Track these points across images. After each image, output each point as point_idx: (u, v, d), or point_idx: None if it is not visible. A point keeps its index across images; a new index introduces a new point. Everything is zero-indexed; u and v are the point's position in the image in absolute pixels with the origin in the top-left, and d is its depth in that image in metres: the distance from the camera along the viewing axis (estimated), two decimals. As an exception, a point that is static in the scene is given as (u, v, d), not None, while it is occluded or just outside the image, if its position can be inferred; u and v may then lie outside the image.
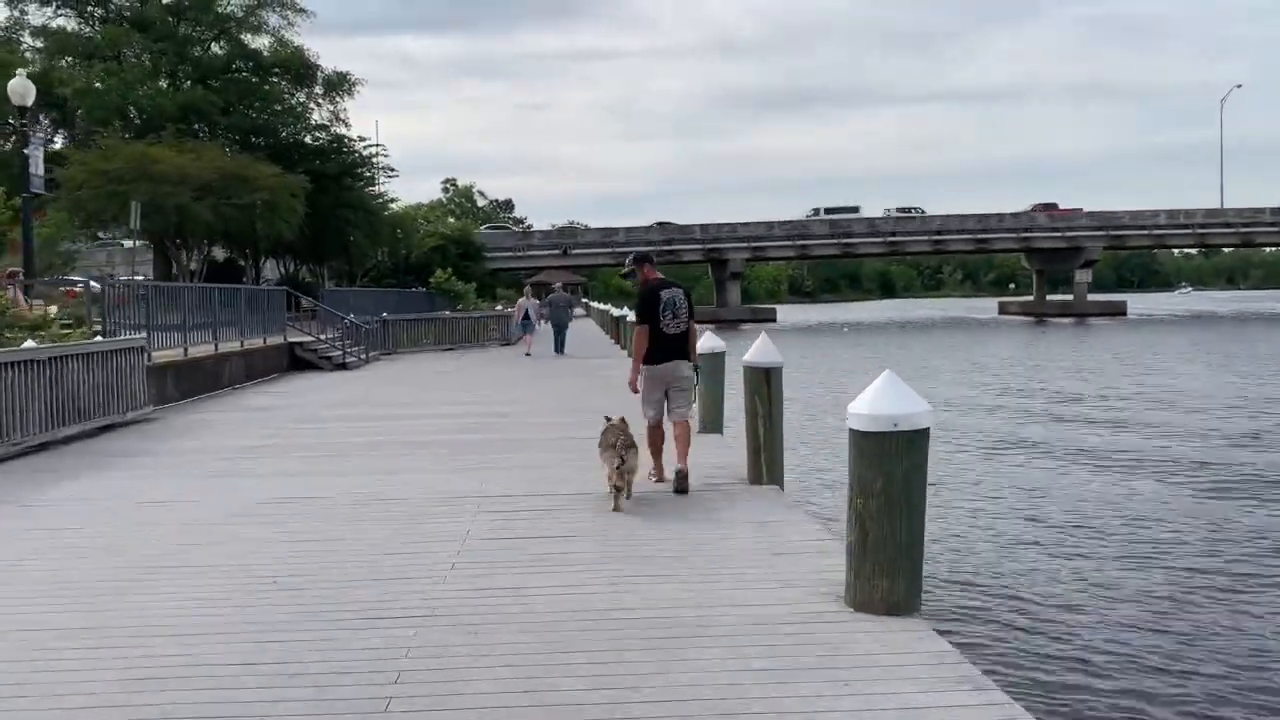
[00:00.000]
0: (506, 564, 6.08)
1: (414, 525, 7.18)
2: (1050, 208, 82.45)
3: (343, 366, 23.18)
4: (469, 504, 7.83)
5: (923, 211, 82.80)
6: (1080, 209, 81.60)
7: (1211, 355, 38.25)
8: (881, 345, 49.80)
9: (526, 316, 28.58)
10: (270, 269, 45.23)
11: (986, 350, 44.42)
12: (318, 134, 42.84)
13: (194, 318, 18.31)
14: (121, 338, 13.97)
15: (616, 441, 7.56)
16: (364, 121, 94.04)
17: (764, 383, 8.41)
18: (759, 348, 8.47)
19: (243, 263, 41.44)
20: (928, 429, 5.06)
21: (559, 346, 27.02)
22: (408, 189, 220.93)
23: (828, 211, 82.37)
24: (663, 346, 8.15)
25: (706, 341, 11.46)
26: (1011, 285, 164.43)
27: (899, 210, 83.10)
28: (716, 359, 11.53)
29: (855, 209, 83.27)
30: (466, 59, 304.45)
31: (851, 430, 5.09)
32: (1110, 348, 43.75)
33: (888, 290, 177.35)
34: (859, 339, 55.43)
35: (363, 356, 24.42)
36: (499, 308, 45.92)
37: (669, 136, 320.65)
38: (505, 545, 6.53)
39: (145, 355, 14.04)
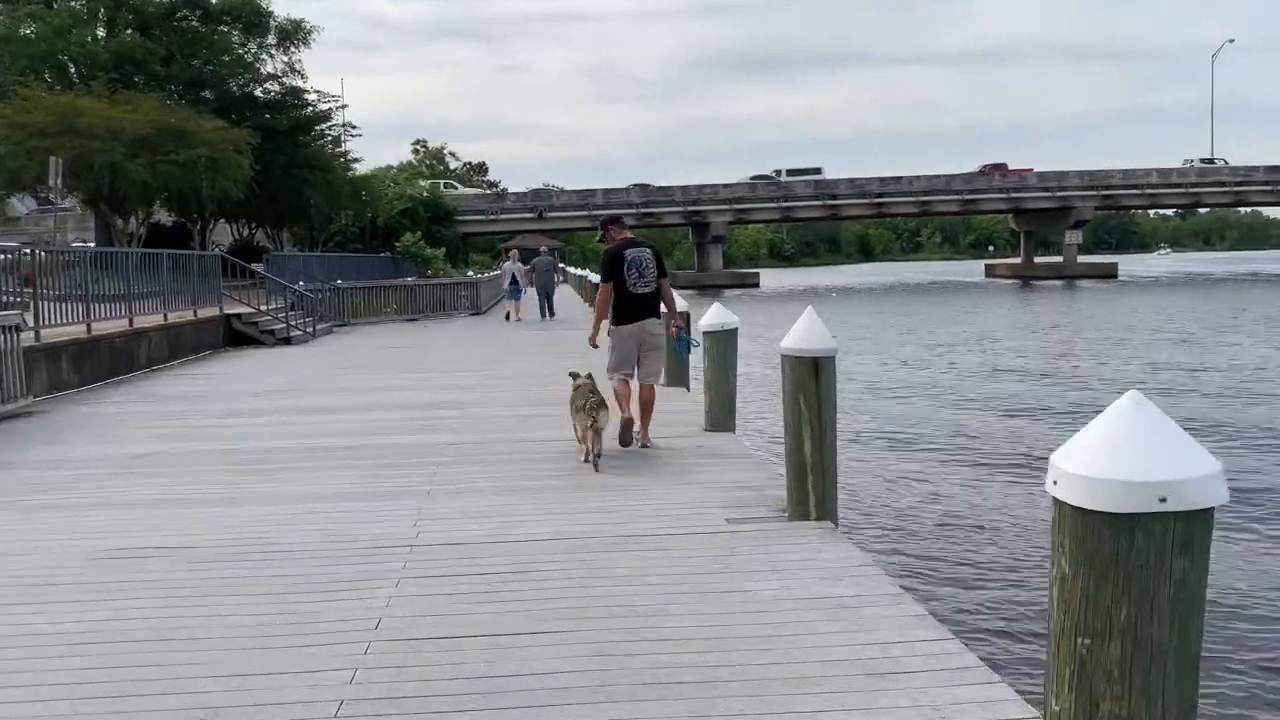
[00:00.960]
0: (427, 703, 3.65)
1: (302, 606, 4.73)
2: (999, 168, 79.91)
3: (286, 341, 20.58)
4: (392, 561, 5.40)
5: (819, 172, 78.89)
6: (1031, 169, 79.34)
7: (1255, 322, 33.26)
8: (878, 310, 46.66)
9: (514, 281, 27.22)
10: (222, 233, 42.33)
11: (994, 315, 41.58)
12: (269, 86, 39.77)
13: (103, 287, 15.72)
14: (-11, 314, 11.38)
15: (586, 403, 7.55)
16: (330, 82, 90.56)
17: (810, 378, 5.99)
18: (804, 328, 6.03)
19: (191, 227, 38.50)
20: (1213, 509, 2.64)
21: (546, 311, 26.48)
22: (381, 155, 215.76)
23: (789, 173, 79.43)
24: (631, 306, 8.06)
25: (715, 316, 9.12)
26: (990, 248, 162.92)
27: (789, 172, 79.30)
28: (726, 337, 9.14)
29: (818, 170, 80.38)
30: (441, 21, 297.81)
31: (1062, 505, 2.67)
32: (1128, 312, 41.09)
33: (866, 253, 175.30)
34: (852, 304, 52.84)
35: (310, 330, 21.79)
36: (470, 274, 43.33)
37: (648, 100, 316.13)
38: (435, 650, 4.10)
39: (18, 334, 11.43)
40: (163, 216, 38.49)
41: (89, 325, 14.49)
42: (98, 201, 29.08)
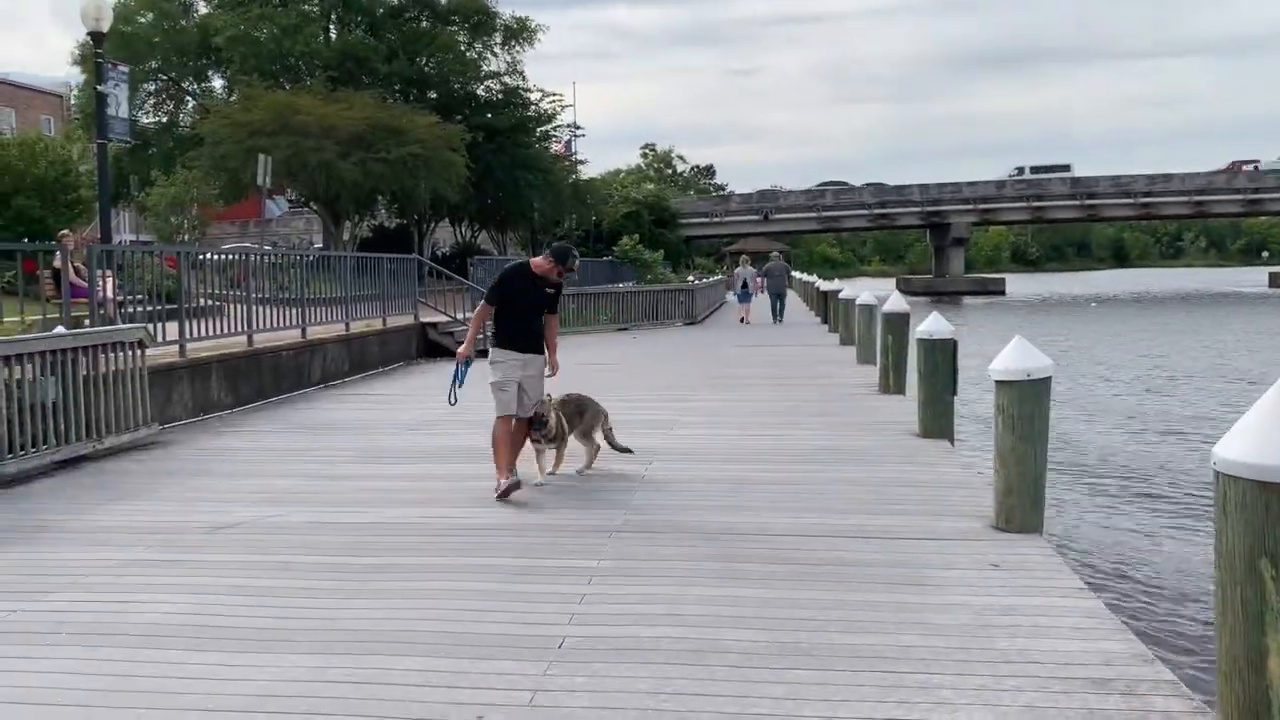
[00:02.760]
0: None
1: None
2: (1247, 165, 73.04)
3: (483, 354, 18.65)
4: None
5: (1070, 170, 72.69)
6: None
7: None
8: (1171, 330, 38.07)
9: (745, 285, 29.30)
10: (444, 235, 41.88)
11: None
12: (490, 85, 38.86)
13: (271, 295, 14.18)
14: (105, 328, 9.71)
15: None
16: (563, 89, 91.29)
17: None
18: None
19: (413, 229, 38.06)
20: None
21: (777, 315, 27.47)
22: (611, 160, 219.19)
23: (1033, 171, 73.54)
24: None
25: (1016, 356, 6.16)
26: (1264, 253, 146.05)
27: (1033, 170, 73.07)
28: (1033, 391, 6.04)
29: (1066, 167, 73.82)
30: (678, 27, 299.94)
31: None
32: None
33: (1120, 259, 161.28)
34: (1122, 318, 46.49)
35: (506, 341, 19.80)
36: (691, 279, 41.05)
37: (883, 99, 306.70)
38: None
39: (140, 351, 9.66)
40: (385, 219, 38.28)
41: (250, 337, 12.86)
42: (309, 201, 28.57)
